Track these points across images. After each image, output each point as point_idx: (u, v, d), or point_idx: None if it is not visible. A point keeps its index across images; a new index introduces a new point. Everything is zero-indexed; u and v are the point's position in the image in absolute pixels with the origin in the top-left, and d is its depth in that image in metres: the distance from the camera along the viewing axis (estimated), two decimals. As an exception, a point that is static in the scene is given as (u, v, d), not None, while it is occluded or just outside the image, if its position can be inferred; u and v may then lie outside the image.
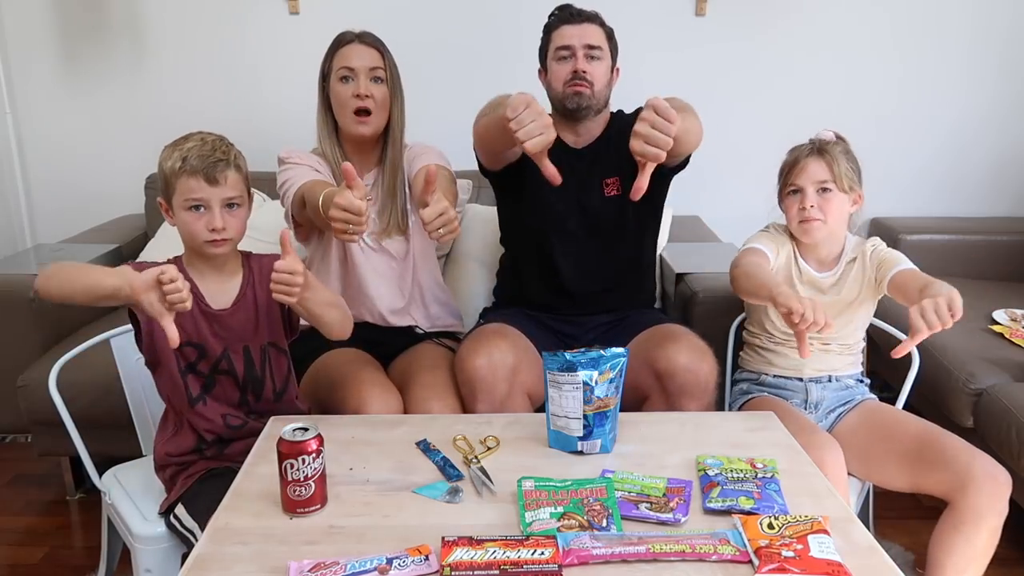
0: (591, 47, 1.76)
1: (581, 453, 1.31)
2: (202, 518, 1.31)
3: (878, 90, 2.79)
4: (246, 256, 1.52)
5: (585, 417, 1.28)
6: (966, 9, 2.73)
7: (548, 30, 1.82)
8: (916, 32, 2.75)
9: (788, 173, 1.69)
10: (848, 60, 2.76)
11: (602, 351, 1.30)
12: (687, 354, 1.60)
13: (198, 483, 1.42)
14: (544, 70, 1.86)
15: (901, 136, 2.83)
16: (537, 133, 1.39)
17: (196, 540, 1.31)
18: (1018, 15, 2.74)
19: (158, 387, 1.49)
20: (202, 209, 1.39)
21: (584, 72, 1.74)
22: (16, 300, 2.12)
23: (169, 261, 1.42)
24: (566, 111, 1.80)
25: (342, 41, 1.79)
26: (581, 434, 1.30)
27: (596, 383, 1.27)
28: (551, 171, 1.46)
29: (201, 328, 1.43)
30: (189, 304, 1.25)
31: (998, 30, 2.75)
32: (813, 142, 1.69)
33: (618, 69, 1.85)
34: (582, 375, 1.27)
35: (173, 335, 1.25)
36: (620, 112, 1.91)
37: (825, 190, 1.65)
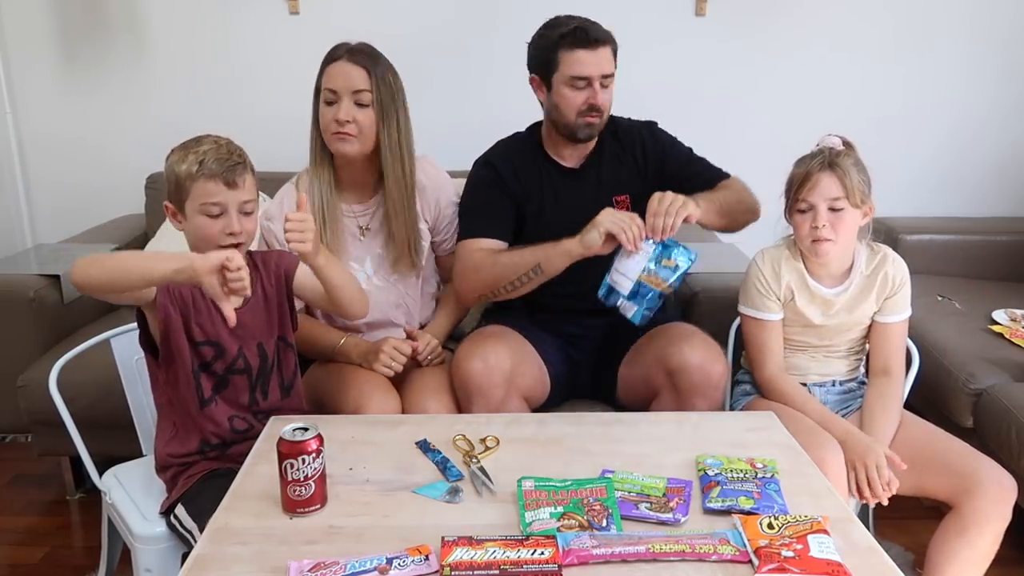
0: (606, 76, 1.69)
1: (616, 310, 1.57)
2: (201, 519, 1.31)
3: (878, 90, 2.79)
4: (248, 254, 1.51)
5: (637, 283, 1.52)
6: (966, 10, 2.73)
7: (556, 48, 1.68)
8: (916, 32, 2.75)
9: (798, 188, 1.60)
10: (848, 60, 2.76)
11: (678, 246, 1.53)
12: (701, 352, 1.59)
13: (199, 483, 1.42)
14: (544, 85, 1.74)
15: (901, 136, 2.83)
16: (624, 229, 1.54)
17: (195, 541, 1.31)
18: (1018, 15, 2.74)
19: (159, 390, 1.48)
20: (219, 213, 1.37)
21: (600, 103, 1.70)
22: (16, 300, 2.12)
23: None
24: (574, 139, 1.75)
25: (332, 57, 1.67)
26: (627, 293, 1.53)
27: (659, 263, 1.50)
28: None
29: (218, 327, 1.43)
30: (249, 291, 1.27)
31: (998, 31, 2.75)
32: (823, 153, 1.60)
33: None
34: (651, 248, 1.51)
35: (231, 316, 1.25)
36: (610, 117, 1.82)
37: (838, 209, 1.57)
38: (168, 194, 1.42)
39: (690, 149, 1.87)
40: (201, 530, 1.30)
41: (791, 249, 1.70)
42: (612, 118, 1.82)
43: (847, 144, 1.64)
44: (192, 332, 1.41)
